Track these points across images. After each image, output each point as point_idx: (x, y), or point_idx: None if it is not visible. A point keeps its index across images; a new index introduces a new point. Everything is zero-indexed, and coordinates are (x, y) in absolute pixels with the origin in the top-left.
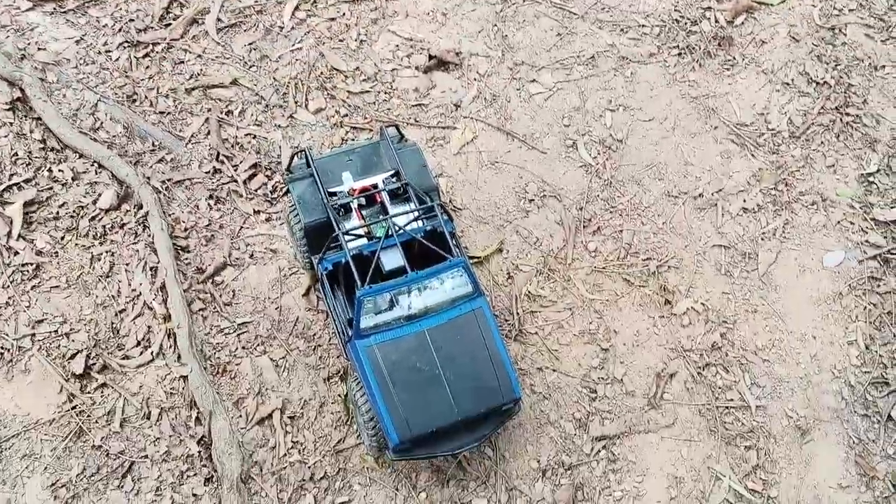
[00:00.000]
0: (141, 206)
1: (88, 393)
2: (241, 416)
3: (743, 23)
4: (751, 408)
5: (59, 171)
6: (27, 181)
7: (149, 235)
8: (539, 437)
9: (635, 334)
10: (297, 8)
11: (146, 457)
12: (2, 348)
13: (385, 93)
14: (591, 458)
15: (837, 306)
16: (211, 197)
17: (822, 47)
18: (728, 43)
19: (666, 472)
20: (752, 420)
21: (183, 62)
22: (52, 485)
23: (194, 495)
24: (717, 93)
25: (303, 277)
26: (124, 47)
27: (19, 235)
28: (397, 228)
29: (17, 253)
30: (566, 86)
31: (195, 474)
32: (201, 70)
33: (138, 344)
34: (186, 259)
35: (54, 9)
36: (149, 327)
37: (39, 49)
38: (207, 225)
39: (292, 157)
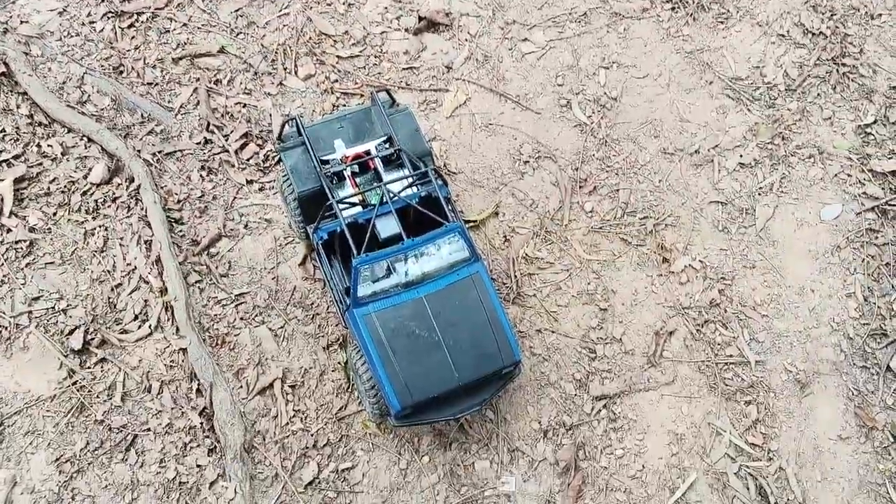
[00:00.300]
0: (133, 180)
1: (88, 368)
2: (241, 386)
3: None
4: (750, 363)
5: (49, 146)
6: (16, 157)
7: (142, 209)
8: (539, 399)
9: (633, 293)
10: None
11: (149, 430)
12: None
13: (375, 56)
14: (591, 418)
15: (835, 259)
16: (203, 168)
17: None
18: None
19: (667, 429)
20: (751, 375)
21: (169, 31)
22: (56, 460)
23: (198, 466)
24: (712, 47)
25: (299, 246)
26: (108, 18)
27: (11, 212)
28: (392, 195)
29: (9, 230)
30: (559, 44)
31: (198, 445)
32: (188, 39)
33: (136, 318)
34: (181, 231)
35: None
36: (146, 301)
37: (22, 22)
38: (200, 196)
39: (283, 126)
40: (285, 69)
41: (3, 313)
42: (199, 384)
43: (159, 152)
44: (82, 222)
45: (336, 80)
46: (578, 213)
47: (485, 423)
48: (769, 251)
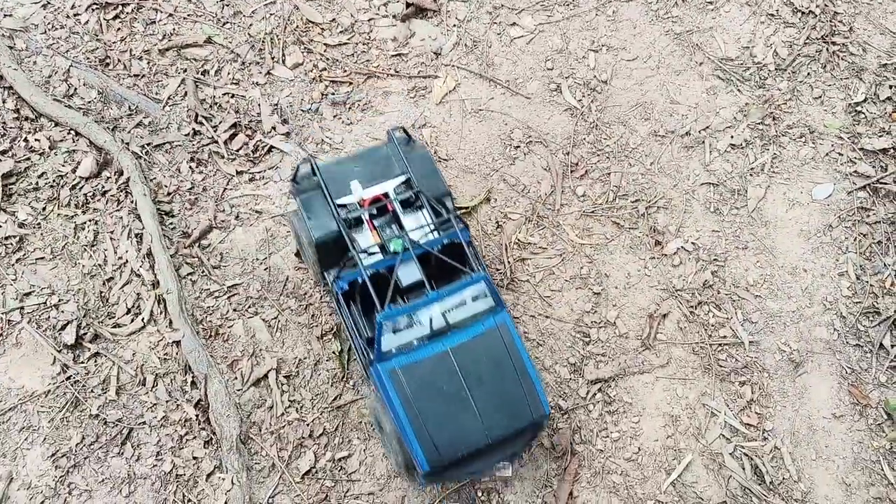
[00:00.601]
0: (122, 173)
1: (82, 363)
2: (236, 377)
3: None
4: (744, 344)
5: (36, 140)
6: (3, 152)
7: (132, 202)
8: None
9: (627, 277)
10: None
11: (144, 423)
12: None
13: (363, 44)
14: (587, 402)
15: (828, 238)
16: (192, 159)
17: None
18: None
19: (662, 411)
20: (745, 356)
21: (155, 22)
22: (52, 455)
23: (195, 458)
24: (702, 28)
25: (290, 237)
26: (93, 9)
27: (0, 208)
28: (413, 244)
29: None
30: (547, 28)
31: (194, 437)
32: (174, 30)
33: (128, 312)
34: (171, 224)
35: None
36: (138, 294)
37: (6, 16)
38: (190, 188)
39: (297, 168)
40: (273, 58)
41: None
42: (193, 376)
43: (148, 144)
44: (72, 217)
45: (324, 69)
46: (570, 197)
47: None
48: (761, 232)
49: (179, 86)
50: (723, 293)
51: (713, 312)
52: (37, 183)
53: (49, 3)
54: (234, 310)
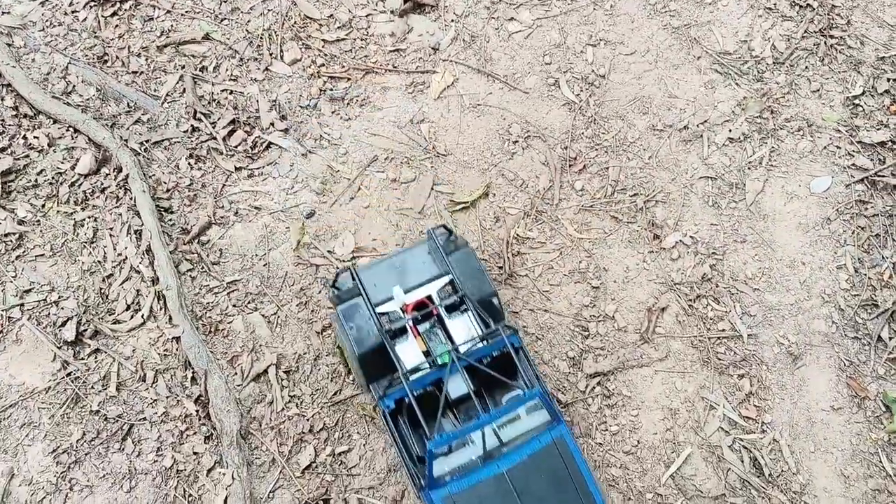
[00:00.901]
0: (121, 169)
1: (82, 359)
2: (236, 373)
3: None
4: (742, 337)
5: (35, 137)
6: (2, 150)
7: (131, 198)
8: None
9: (625, 271)
10: None
11: (144, 419)
12: None
13: (361, 39)
14: (586, 395)
15: (826, 231)
16: (191, 156)
17: None
18: None
19: (661, 405)
20: (744, 349)
21: (152, 19)
22: (54, 451)
23: (195, 453)
24: (700, 21)
25: (289, 232)
26: (91, 6)
27: None
28: (459, 356)
29: None
30: (545, 22)
31: (195, 433)
32: (172, 26)
33: (128, 308)
34: (170, 220)
35: None
36: (138, 291)
37: (4, 13)
38: (189, 185)
39: (337, 275)
40: (271, 54)
41: None
42: (193, 372)
43: (146, 141)
44: (71, 214)
45: (323, 64)
46: (569, 191)
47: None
48: (760, 225)
49: (178, 82)
50: (721, 286)
51: (712, 306)
52: (36, 180)
53: (47, 0)
54: (234, 305)
